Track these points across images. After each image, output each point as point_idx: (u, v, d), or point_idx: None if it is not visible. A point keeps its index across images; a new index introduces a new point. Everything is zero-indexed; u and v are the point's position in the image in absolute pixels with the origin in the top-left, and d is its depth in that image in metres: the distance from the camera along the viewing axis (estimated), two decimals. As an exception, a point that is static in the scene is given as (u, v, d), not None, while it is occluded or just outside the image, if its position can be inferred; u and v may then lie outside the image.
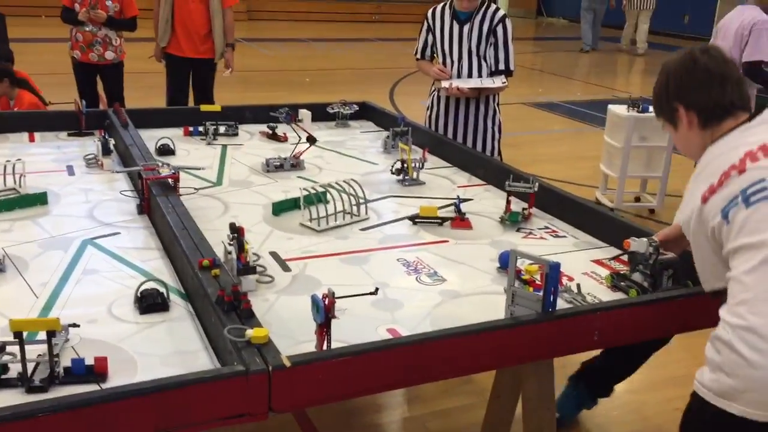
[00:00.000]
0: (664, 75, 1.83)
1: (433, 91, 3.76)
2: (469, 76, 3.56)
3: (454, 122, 3.65)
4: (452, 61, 3.57)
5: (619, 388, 2.79)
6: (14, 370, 1.46)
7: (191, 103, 5.32)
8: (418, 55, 3.76)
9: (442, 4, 3.64)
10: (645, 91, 2.16)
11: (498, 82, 3.51)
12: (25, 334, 1.44)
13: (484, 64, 3.55)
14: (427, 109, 3.79)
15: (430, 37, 3.66)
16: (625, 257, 2.09)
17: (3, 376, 1.45)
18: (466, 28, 3.51)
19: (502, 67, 3.55)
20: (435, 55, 3.67)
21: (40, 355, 1.49)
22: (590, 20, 13.74)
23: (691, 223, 1.70)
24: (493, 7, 3.60)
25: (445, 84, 3.53)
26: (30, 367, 1.46)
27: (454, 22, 3.54)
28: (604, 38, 14.97)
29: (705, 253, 1.69)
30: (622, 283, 2.01)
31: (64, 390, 1.42)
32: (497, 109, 3.68)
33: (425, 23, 3.68)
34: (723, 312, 1.57)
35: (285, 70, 10.90)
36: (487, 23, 3.50)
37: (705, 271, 1.72)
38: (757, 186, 1.56)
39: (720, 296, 1.64)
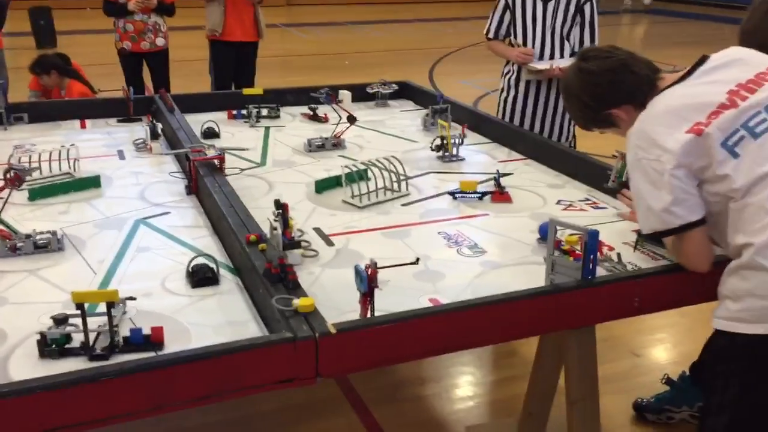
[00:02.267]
0: (575, 98, 1.93)
1: (508, 73, 3.55)
2: (551, 56, 3.39)
3: (534, 106, 3.47)
4: (534, 42, 3.38)
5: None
6: (77, 339, 1.54)
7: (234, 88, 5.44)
8: (491, 35, 3.53)
9: None
10: (689, 60, 2.14)
11: None
12: (86, 306, 1.53)
13: (566, 44, 3.39)
14: (502, 91, 3.60)
15: (508, 15, 3.44)
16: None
17: (67, 346, 1.54)
18: (550, 6, 3.34)
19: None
20: (513, 36, 3.44)
21: (100, 326, 1.57)
22: None
23: (678, 158, 1.67)
24: None
25: (540, 66, 3.32)
26: (92, 337, 1.55)
27: (537, 0, 3.37)
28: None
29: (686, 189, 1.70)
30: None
31: (124, 357, 1.51)
32: None
33: (501, 0, 3.47)
34: (743, 239, 1.62)
35: (324, 54, 10.98)
36: (574, 1, 3.34)
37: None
38: (757, 119, 1.65)
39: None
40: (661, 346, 3.33)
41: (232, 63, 5.43)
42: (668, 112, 1.73)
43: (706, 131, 1.65)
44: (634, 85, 1.82)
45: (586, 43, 3.41)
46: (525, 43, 3.41)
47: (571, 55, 3.40)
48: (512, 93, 3.52)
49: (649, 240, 2.05)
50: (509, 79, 3.55)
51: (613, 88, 1.84)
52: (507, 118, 3.53)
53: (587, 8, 3.38)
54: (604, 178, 2.49)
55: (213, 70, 5.52)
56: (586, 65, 1.88)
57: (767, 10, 2.06)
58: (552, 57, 3.40)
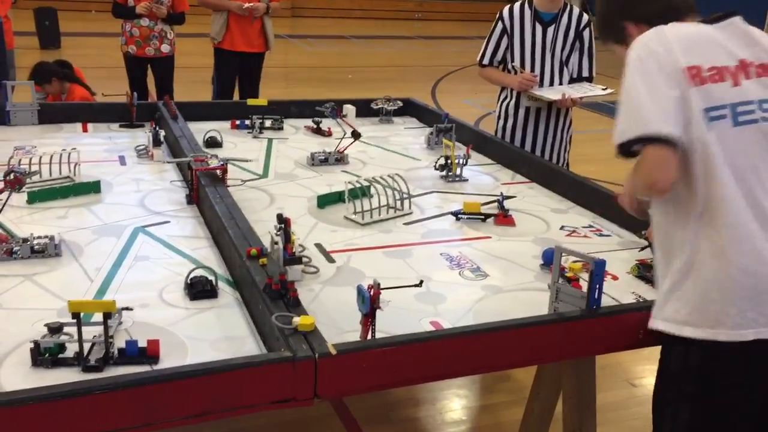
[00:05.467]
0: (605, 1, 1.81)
1: (505, 99, 3.48)
2: (551, 83, 3.33)
3: (534, 134, 3.40)
4: (533, 67, 3.32)
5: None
6: (71, 349, 1.51)
7: (238, 97, 5.43)
8: (486, 61, 3.40)
9: (518, 3, 3.37)
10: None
11: (607, 90, 3.24)
12: (82, 315, 1.50)
13: (565, 70, 3.34)
14: (498, 118, 3.53)
15: (505, 40, 3.36)
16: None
17: (60, 356, 1.50)
18: (550, 30, 3.28)
19: (585, 74, 3.36)
20: (510, 60, 3.36)
21: (95, 336, 1.54)
22: None
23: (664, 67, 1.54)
24: (576, 10, 3.37)
25: (553, 96, 3.23)
26: (86, 347, 1.51)
27: (537, 23, 3.29)
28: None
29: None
30: (648, 274, 2.00)
31: (118, 370, 1.47)
32: (572, 118, 3.47)
33: (499, 24, 3.36)
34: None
35: (328, 67, 10.98)
36: (573, 26, 3.29)
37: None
38: (747, 107, 1.57)
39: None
40: (657, 376, 3.30)
41: (236, 72, 5.42)
42: (688, 36, 1.61)
43: (697, 89, 1.55)
44: (661, 8, 1.70)
45: (585, 69, 3.38)
46: (523, 68, 3.35)
47: (570, 81, 3.37)
48: (510, 121, 3.44)
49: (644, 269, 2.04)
50: (506, 105, 3.47)
51: (640, 1, 1.75)
52: None
53: (586, 34, 3.34)
54: (608, 205, 2.48)
55: (216, 77, 5.51)
56: None
57: None
58: (552, 83, 3.35)
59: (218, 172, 2.48)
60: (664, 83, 1.54)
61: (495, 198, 2.57)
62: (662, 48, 1.57)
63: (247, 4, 5.16)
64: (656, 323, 1.66)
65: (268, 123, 3.45)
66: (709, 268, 1.57)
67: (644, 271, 2.03)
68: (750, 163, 1.57)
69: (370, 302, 1.57)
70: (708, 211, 1.57)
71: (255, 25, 5.29)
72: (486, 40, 3.44)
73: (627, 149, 1.56)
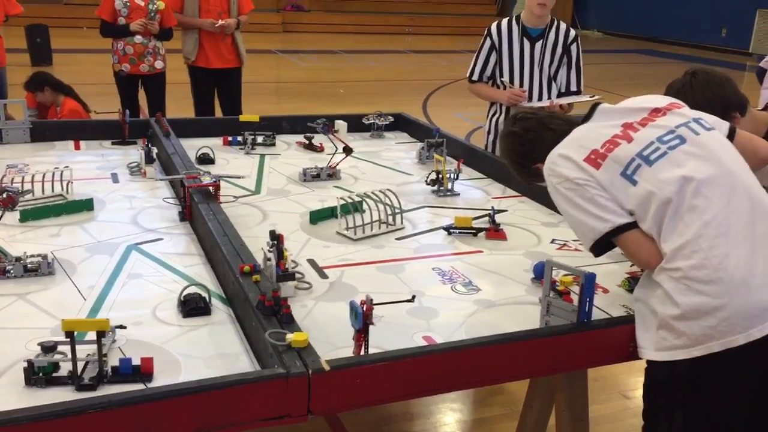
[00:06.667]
0: (507, 158, 2.10)
1: (494, 115, 3.53)
2: (540, 97, 3.38)
3: None
4: (522, 82, 3.37)
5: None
6: (65, 368, 1.51)
7: (221, 114, 5.44)
8: (475, 77, 3.48)
9: (506, 19, 3.44)
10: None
11: (595, 97, 3.21)
12: (75, 333, 1.50)
13: (554, 84, 3.39)
14: (488, 133, 3.59)
15: (494, 55, 3.42)
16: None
17: (54, 375, 1.51)
18: (538, 45, 3.33)
19: (573, 88, 3.40)
20: (499, 75, 3.42)
21: (89, 354, 1.54)
22: None
23: (584, 184, 1.77)
24: (563, 25, 3.42)
25: (541, 103, 3.27)
26: (80, 366, 1.51)
27: (525, 39, 3.34)
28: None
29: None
30: None
31: (112, 388, 1.48)
32: None
33: (487, 40, 3.41)
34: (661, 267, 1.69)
35: (319, 82, 11.03)
36: (561, 41, 3.34)
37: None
38: (650, 147, 1.76)
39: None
40: (650, 388, 3.31)
41: (212, 89, 5.47)
42: (572, 140, 1.87)
43: (603, 165, 1.76)
44: (553, 140, 1.92)
45: (573, 83, 3.41)
46: (512, 83, 3.39)
47: (559, 95, 3.41)
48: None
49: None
50: (496, 120, 3.51)
51: (534, 145, 1.97)
52: None
53: (573, 48, 3.39)
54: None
55: (193, 95, 5.53)
56: (514, 129, 2.03)
57: (677, 91, 2.18)
58: (540, 97, 3.39)
59: (211, 188, 2.49)
60: (582, 192, 1.77)
61: (486, 212, 2.59)
62: (563, 168, 1.81)
63: (220, 21, 5.19)
64: (649, 354, 1.71)
65: (260, 139, 3.47)
66: (678, 293, 1.65)
67: (634, 284, 2.04)
68: (681, 186, 1.69)
69: (362, 318, 1.58)
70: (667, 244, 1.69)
71: (226, 41, 5.33)
72: (475, 56, 3.49)
73: (597, 251, 1.80)
